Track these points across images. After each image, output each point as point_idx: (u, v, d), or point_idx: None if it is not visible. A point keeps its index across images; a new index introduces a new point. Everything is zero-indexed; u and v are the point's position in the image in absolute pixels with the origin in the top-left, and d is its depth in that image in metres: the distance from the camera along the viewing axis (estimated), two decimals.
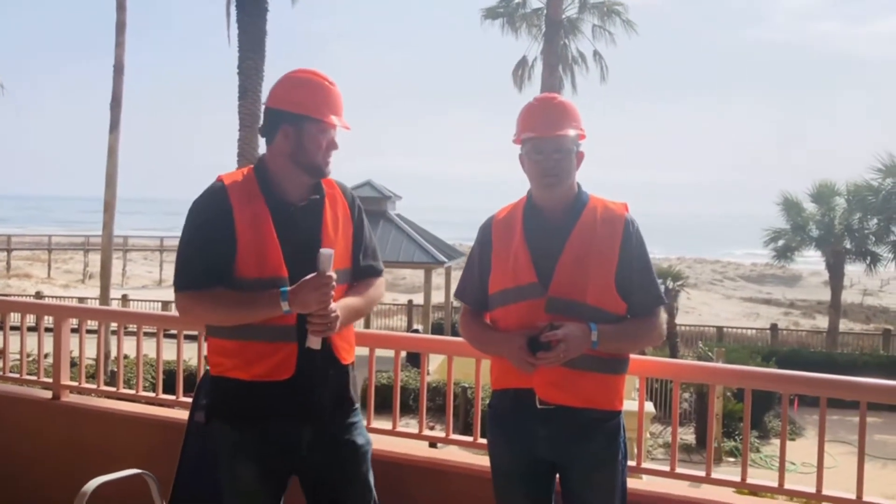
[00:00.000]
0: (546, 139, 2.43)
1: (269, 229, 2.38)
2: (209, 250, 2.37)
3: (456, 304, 20.13)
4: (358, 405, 2.60)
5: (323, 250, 2.32)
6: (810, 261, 26.62)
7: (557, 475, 2.53)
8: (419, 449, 3.41)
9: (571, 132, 2.44)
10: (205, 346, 3.79)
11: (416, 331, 19.79)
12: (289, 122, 2.39)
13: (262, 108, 2.57)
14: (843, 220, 21.20)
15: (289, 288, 2.32)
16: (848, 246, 21.28)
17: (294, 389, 2.40)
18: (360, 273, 2.58)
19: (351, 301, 2.48)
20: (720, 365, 3.45)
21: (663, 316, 2.56)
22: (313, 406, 2.44)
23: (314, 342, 2.35)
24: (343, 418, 2.53)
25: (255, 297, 2.34)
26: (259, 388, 2.41)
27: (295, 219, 2.42)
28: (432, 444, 3.69)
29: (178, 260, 2.45)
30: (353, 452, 2.53)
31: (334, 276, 2.32)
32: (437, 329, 20.36)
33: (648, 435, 12.14)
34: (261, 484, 2.48)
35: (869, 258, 21.23)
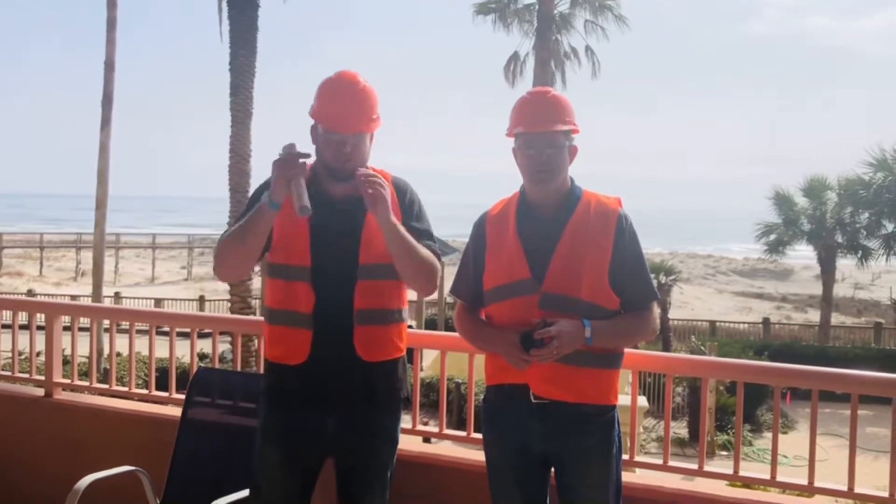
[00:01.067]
0: (538, 134, 2.43)
1: (301, 220, 2.42)
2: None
3: (450, 299, 20.15)
4: (399, 401, 2.63)
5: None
6: (802, 255, 26.71)
7: (552, 469, 2.54)
8: (413, 444, 3.41)
9: (563, 127, 2.44)
10: (198, 343, 3.83)
11: (410, 326, 19.77)
12: (313, 125, 2.53)
13: None
14: (834, 215, 21.27)
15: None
16: (839, 240, 21.34)
17: (306, 375, 2.49)
18: None
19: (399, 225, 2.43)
20: (713, 358, 3.46)
21: (656, 310, 2.57)
22: (331, 395, 2.50)
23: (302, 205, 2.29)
24: (371, 413, 2.56)
25: (248, 217, 2.42)
26: (278, 370, 2.55)
27: (333, 214, 2.48)
28: (426, 440, 3.70)
29: (228, 228, 2.61)
30: (372, 445, 2.57)
31: (297, 151, 2.32)
32: (431, 325, 20.37)
33: (642, 429, 12.18)
34: (284, 469, 2.55)
35: (860, 252, 21.28)
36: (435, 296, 22.24)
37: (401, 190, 2.60)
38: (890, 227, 20.68)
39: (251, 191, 2.67)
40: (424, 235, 2.57)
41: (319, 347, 2.48)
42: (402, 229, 2.43)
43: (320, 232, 2.48)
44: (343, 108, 2.45)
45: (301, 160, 2.31)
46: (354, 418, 2.53)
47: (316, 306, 2.47)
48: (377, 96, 2.52)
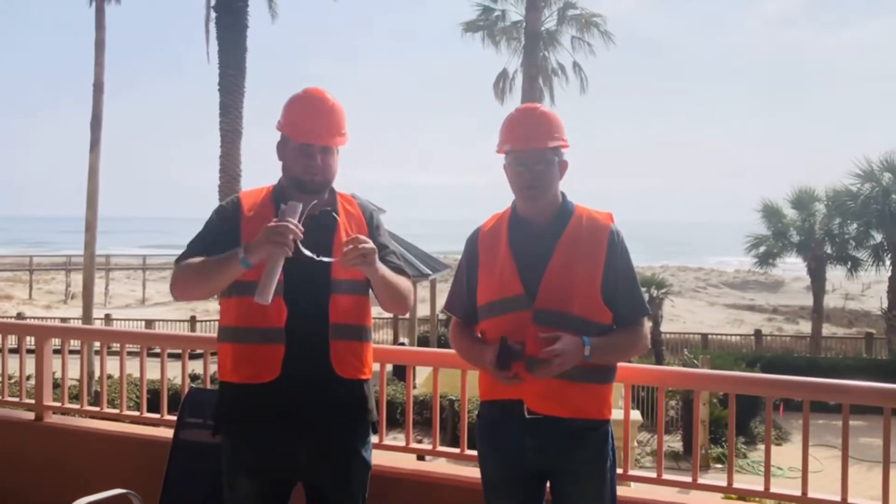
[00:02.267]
0: (527, 151, 2.45)
1: None
2: (211, 243, 2.47)
3: (442, 316, 20.13)
4: (369, 424, 2.58)
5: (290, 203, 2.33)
6: (792, 266, 26.81)
7: (548, 483, 2.53)
8: (407, 462, 3.40)
9: (552, 144, 2.45)
10: (189, 364, 3.81)
11: (403, 344, 19.74)
12: (280, 140, 2.53)
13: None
14: (823, 226, 21.36)
15: (249, 243, 2.33)
16: (829, 251, 21.42)
17: (279, 392, 2.42)
18: None
19: (382, 266, 2.43)
20: (704, 371, 3.47)
21: (647, 325, 2.58)
22: (303, 414, 2.43)
23: (294, 213, 2.27)
24: (343, 436, 2.51)
25: (215, 259, 2.38)
26: (246, 391, 2.45)
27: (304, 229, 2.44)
28: (420, 457, 3.68)
29: (188, 245, 2.54)
30: (348, 471, 2.52)
31: (295, 223, 2.28)
32: (423, 342, 20.31)
33: (636, 443, 12.15)
34: (254, 497, 2.48)
35: (850, 263, 21.37)
36: (427, 313, 22.22)
37: (367, 211, 2.63)
38: (878, 237, 20.76)
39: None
40: (393, 256, 2.60)
41: (292, 362, 2.42)
42: (386, 272, 2.45)
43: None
44: (313, 120, 2.47)
45: (292, 237, 2.25)
46: (327, 441, 2.47)
47: (288, 320, 2.43)
48: (344, 113, 2.54)
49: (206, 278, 2.41)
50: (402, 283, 2.54)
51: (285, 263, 2.30)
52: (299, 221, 2.28)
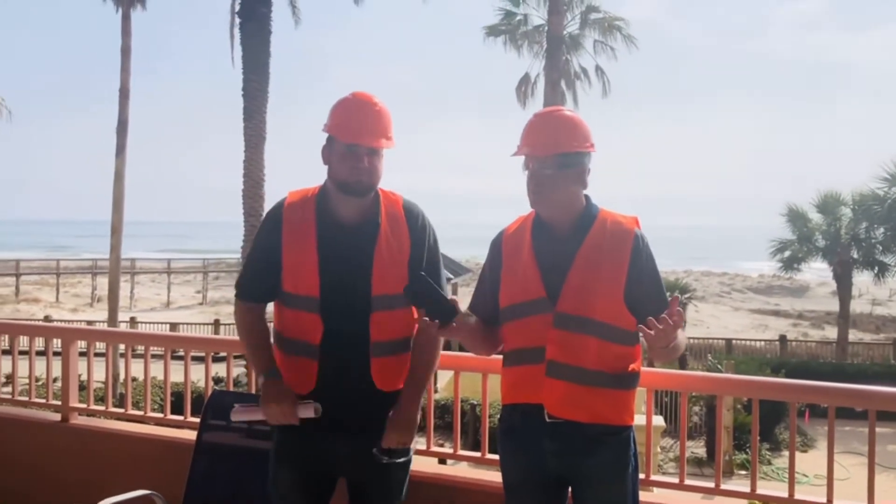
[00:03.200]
0: (535, 156, 2.43)
1: (308, 247, 2.46)
2: (259, 263, 2.56)
3: None
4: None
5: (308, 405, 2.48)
6: (818, 271, 26.51)
7: (569, 488, 2.52)
8: (429, 465, 3.40)
9: (561, 150, 2.41)
10: (213, 366, 3.84)
11: None
12: (326, 143, 2.53)
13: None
14: (849, 230, 21.09)
15: (270, 381, 2.50)
16: (855, 256, 21.15)
17: (320, 401, 2.47)
18: None
19: (417, 393, 2.58)
20: (727, 375, 3.44)
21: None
22: (341, 421, 2.48)
23: (306, 411, 2.47)
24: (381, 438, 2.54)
25: (259, 355, 2.56)
26: None
27: (344, 239, 2.48)
28: (441, 461, 3.69)
29: (242, 268, 2.69)
30: (387, 469, 2.55)
31: (300, 420, 2.46)
32: (445, 346, 20.26)
33: (659, 449, 12.07)
34: (297, 491, 2.56)
35: (876, 267, 21.10)
36: None
37: (413, 221, 2.58)
38: None
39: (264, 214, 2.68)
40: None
41: (328, 378, 2.47)
42: (421, 396, 2.60)
43: (329, 261, 2.46)
44: (362, 122, 2.46)
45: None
46: (367, 442, 2.51)
47: (324, 338, 2.46)
48: (391, 118, 2.53)
49: (245, 353, 2.66)
50: (434, 358, 2.66)
51: (321, 276, 2.45)
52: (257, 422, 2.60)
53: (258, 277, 2.57)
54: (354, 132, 2.45)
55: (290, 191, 2.63)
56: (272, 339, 2.61)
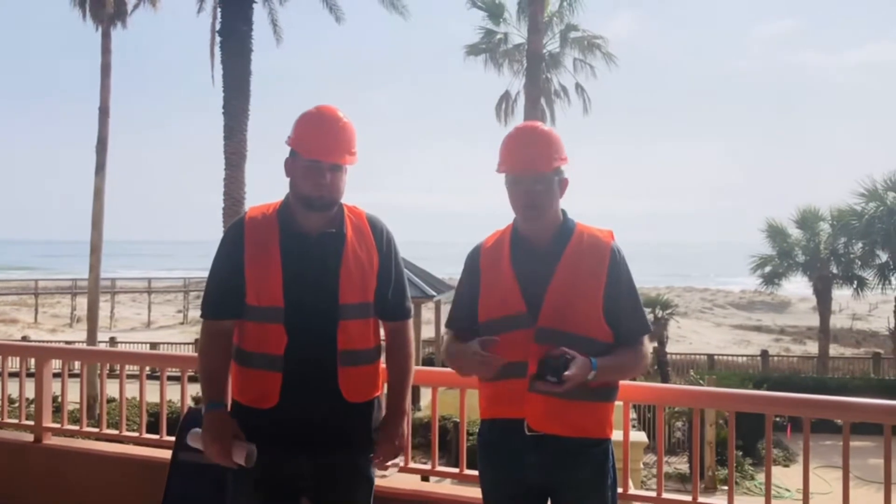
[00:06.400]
0: (535, 173, 2.44)
1: (272, 258, 2.43)
2: (222, 280, 2.51)
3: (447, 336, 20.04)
4: (372, 441, 2.58)
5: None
6: (798, 287, 26.72)
7: (549, 501, 2.51)
8: (410, 482, 3.38)
9: (552, 165, 2.44)
10: (190, 387, 3.80)
11: None
12: (289, 156, 2.51)
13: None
14: (828, 245, 21.32)
15: (213, 412, 2.47)
16: (834, 271, 21.38)
17: (279, 418, 2.42)
18: (388, 312, 2.60)
19: (399, 403, 2.63)
20: (702, 388, 3.45)
21: (648, 345, 2.56)
22: (306, 437, 2.43)
23: (238, 455, 2.41)
24: (348, 455, 2.51)
25: (214, 380, 2.50)
26: (250, 414, 2.48)
27: (309, 249, 2.46)
28: (424, 478, 3.67)
29: (205, 288, 2.61)
30: (351, 486, 2.52)
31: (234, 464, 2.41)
32: (428, 363, 20.21)
33: (642, 465, 12.05)
34: None
35: (856, 282, 21.33)
36: (432, 334, 22.18)
37: (378, 233, 2.58)
38: (884, 256, 20.72)
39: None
40: (400, 293, 2.62)
41: (293, 390, 2.42)
42: (403, 405, 2.65)
43: (294, 271, 2.43)
44: (325, 137, 2.45)
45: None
46: (331, 460, 2.47)
47: (288, 348, 2.41)
48: (355, 132, 2.52)
49: (200, 374, 2.58)
50: (411, 366, 2.68)
51: (285, 286, 2.41)
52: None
53: (224, 293, 2.49)
54: (317, 148, 2.44)
55: (251, 206, 2.63)
56: (235, 360, 2.54)
